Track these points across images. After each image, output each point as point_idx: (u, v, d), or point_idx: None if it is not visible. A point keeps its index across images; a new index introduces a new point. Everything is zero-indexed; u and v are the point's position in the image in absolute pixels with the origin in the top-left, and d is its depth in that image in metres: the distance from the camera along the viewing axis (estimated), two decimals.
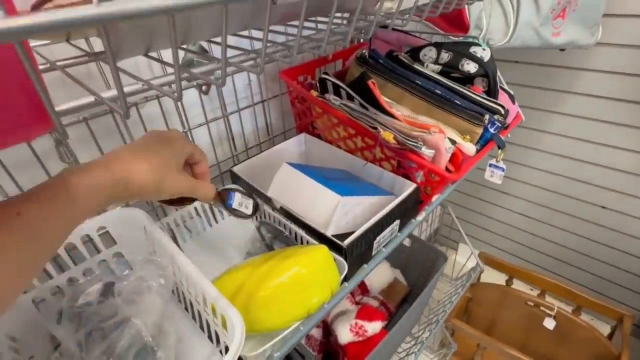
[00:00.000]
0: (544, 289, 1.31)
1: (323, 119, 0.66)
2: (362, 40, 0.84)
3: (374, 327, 0.70)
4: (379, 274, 0.89)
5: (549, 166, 1.23)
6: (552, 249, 1.39)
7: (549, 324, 1.19)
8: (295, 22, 0.38)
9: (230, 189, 0.50)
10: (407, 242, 0.92)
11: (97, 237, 0.49)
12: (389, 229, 0.54)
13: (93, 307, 0.41)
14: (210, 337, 0.44)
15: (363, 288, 0.88)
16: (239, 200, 0.52)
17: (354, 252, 0.48)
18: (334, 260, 0.45)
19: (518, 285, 1.36)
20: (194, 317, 0.46)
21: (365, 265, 0.50)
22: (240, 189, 0.52)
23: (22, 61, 0.16)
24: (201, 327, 0.45)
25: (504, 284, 1.36)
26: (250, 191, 0.57)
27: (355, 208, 0.53)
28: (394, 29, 0.74)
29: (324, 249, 0.43)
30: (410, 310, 0.73)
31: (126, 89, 0.26)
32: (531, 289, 1.41)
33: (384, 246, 0.54)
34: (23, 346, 0.41)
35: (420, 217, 0.56)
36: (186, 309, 0.47)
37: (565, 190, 1.24)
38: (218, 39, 0.29)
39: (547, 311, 1.21)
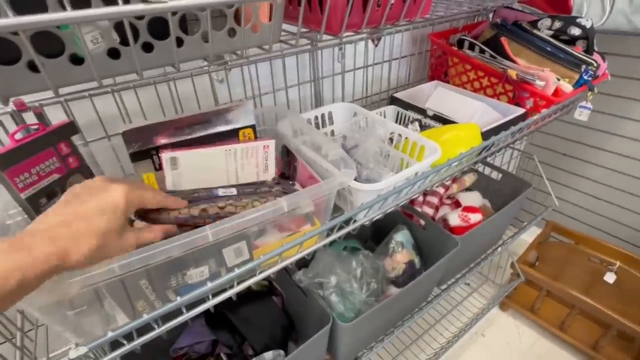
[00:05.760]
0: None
1: (457, 67, 0.96)
2: (482, 19, 1.13)
3: (475, 217, 0.98)
4: (472, 198, 1.16)
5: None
6: (628, 217, 1.47)
7: (609, 277, 1.37)
8: None
9: None
10: (497, 177, 1.18)
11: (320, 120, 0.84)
12: (504, 133, 0.82)
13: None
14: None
15: (457, 205, 1.16)
16: None
17: (485, 136, 0.77)
18: None
19: None
20: None
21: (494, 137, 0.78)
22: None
23: None
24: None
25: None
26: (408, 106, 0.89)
27: (485, 116, 0.82)
28: (511, 8, 1.01)
29: (476, 125, 0.73)
30: (500, 213, 1.00)
31: None
32: None
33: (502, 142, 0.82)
34: None
35: (536, 116, 0.83)
36: None
37: None
38: None
39: (609, 266, 1.39)
